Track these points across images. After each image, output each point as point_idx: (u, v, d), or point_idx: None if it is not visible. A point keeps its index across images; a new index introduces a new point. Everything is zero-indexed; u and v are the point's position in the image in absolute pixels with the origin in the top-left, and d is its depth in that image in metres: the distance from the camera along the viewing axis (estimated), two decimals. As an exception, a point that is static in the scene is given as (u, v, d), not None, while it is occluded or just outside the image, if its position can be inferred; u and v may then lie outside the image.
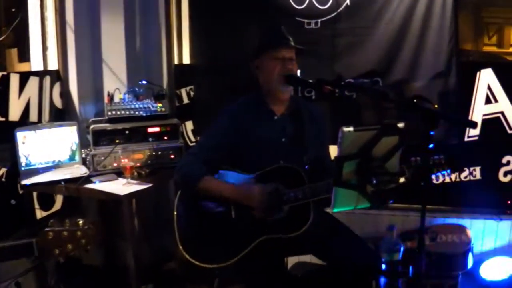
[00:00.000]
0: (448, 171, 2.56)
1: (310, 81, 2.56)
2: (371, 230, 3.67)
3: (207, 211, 2.70)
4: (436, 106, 2.19)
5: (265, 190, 2.59)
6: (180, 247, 2.66)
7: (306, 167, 2.71)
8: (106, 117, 3.57)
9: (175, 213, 2.73)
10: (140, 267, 3.49)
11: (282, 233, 2.59)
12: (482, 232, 3.69)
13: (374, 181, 1.91)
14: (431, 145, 1.91)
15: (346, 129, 1.91)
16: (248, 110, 2.81)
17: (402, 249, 2.18)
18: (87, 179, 3.31)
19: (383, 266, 2.28)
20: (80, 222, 1.96)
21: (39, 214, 3.66)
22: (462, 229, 3.56)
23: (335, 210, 2.04)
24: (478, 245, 3.69)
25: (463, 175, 3.69)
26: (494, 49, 4.14)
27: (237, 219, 2.67)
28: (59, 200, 3.81)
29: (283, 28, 2.84)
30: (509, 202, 3.65)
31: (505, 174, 3.64)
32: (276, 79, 2.72)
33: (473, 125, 2.59)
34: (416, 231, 3.46)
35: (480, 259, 3.62)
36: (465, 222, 3.67)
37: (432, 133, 1.88)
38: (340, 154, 1.94)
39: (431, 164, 2.50)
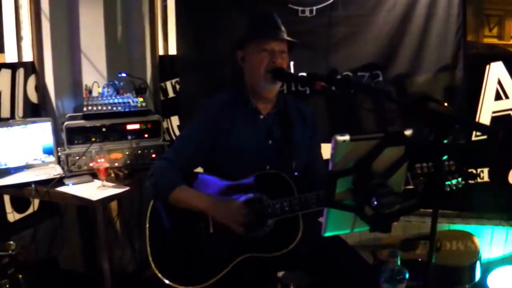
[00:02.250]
0: (459, 179, 2.10)
1: (302, 75, 2.06)
2: (370, 236, 3.21)
3: (182, 225, 2.23)
4: (445, 104, 1.72)
5: (243, 206, 2.11)
6: (153, 265, 2.20)
7: (296, 174, 2.23)
8: (82, 113, 3.10)
9: (147, 226, 2.27)
10: (116, 273, 3.09)
11: (266, 252, 2.12)
12: (490, 239, 3.22)
13: (375, 203, 1.42)
14: (445, 157, 1.48)
15: (340, 137, 1.40)
16: (230, 108, 2.31)
17: (407, 277, 1.72)
18: (60, 180, 2.88)
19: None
20: (12, 245, 1.51)
21: (12, 217, 3.23)
22: (469, 236, 3.08)
23: (327, 234, 1.56)
24: (486, 253, 3.23)
25: (470, 177, 3.20)
26: (495, 41, 3.69)
27: (215, 234, 2.19)
28: (36, 201, 3.35)
29: (276, 16, 2.31)
30: (519, 206, 3.17)
31: (516, 176, 3.17)
32: (263, 75, 2.21)
33: (495, 132, 2.11)
34: (417, 238, 3.00)
35: (488, 268, 3.17)
36: (471, 228, 3.20)
37: (446, 141, 1.44)
38: (332, 169, 1.44)
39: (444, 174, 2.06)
